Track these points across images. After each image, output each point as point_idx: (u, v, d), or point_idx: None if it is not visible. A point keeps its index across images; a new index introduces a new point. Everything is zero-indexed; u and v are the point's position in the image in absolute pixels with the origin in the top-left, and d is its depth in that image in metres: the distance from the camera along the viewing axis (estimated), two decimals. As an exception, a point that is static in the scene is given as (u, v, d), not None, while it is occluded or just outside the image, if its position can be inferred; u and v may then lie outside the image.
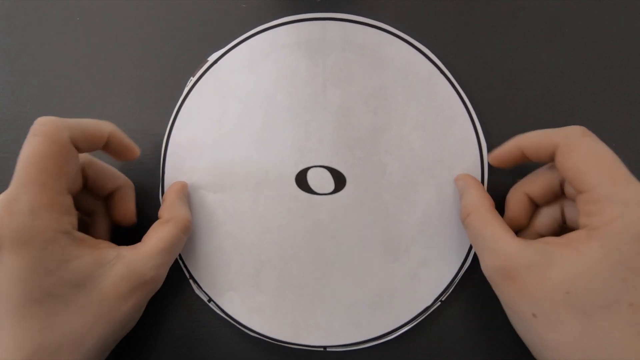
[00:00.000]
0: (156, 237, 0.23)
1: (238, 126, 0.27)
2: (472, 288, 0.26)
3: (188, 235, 0.25)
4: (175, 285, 0.27)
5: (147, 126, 0.28)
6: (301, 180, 0.27)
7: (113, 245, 0.23)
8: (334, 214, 0.26)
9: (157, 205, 0.27)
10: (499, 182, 0.26)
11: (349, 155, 0.27)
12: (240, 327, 0.26)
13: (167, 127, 0.27)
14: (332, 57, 0.27)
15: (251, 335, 0.26)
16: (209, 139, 0.27)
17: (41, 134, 0.20)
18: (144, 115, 0.28)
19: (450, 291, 0.26)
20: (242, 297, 0.26)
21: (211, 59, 0.27)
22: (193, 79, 0.27)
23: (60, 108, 0.28)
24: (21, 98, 0.28)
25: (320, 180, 0.27)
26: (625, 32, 0.27)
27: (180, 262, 0.27)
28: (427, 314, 0.26)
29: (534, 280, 0.19)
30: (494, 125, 0.27)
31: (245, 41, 0.27)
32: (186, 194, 0.26)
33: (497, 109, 0.27)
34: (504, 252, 0.21)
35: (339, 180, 0.27)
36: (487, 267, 0.22)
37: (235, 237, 0.26)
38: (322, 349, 0.26)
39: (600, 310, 0.18)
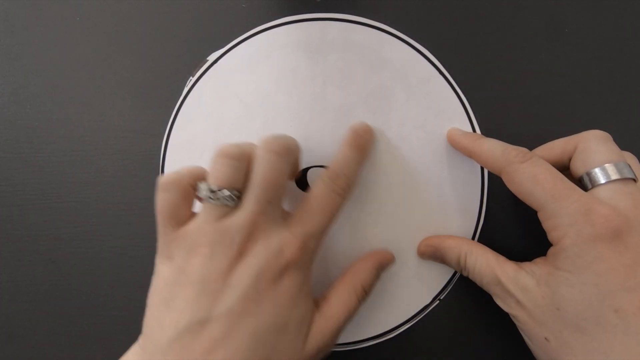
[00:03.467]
0: (344, 308, 0.23)
1: (238, 126, 0.27)
2: (470, 287, 0.26)
3: None
4: (176, 285, 0.27)
5: (147, 126, 0.28)
6: (301, 180, 0.27)
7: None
8: (333, 213, 0.27)
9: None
10: (498, 180, 0.26)
11: (349, 155, 0.27)
12: (240, 326, 0.26)
13: (166, 127, 0.27)
14: (332, 57, 0.27)
15: (251, 334, 0.26)
16: (209, 139, 0.27)
17: (345, 197, 0.23)
18: (144, 115, 0.28)
19: (448, 290, 0.27)
20: (243, 296, 0.26)
21: (211, 58, 0.27)
22: (193, 79, 0.27)
23: (60, 108, 0.28)
24: (21, 98, 0.28)
25: (320, 180, 0.27)
26: (625, 32, 0.27)
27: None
28: (425, 313, 0.26)
29: (532, 302, 0.21)
30: (493, 126, 0.27)
31: (245, 41, 0.27)
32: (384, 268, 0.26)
33: (496, 110, 0.27)
34: (504, 281, 0.22)
35: (339, 180, 0.27)
36: (501, 304, 0.23)
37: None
38: (322, 348, 0.27)
39: (592, 323, 0.19)
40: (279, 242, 0.21)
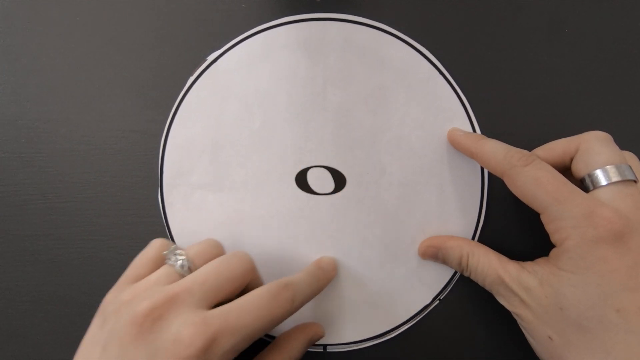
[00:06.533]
0: None
1: (237, 126, 0.27)
2: (470, 287, 0.26)
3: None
4: (176, 285, 0.27)
5: (146, 126, 0.28)
6: (301, 180, 0.27)
7: None
8: (334, 214, 0.27)
9: (155, 207, 0.27)
10: (499, 180, 0.26)
11: (349, 155, 0.27)
12: (240, 326, 0.26)
13: (165, 126, 0.27)
14: (332, 57, 0.27)
15: (251, 334, 0.26)
16: (208, 138, 0.27)
17: (285, 311, 0.21)
18: (144, 115, 0.28)
19: (448, 290, 0.27)
20: (243, 296, 0.26)
21: (210, 58, 0.27)
22: (192, 79, 0.27)
23: (60, 108, 0.28)
24: (21, 98, 0.28)
25: (320, 180, 0.27)
26: (625, 32, 0.27)
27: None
28: (425, 313, 0.26)
29: (536, 301, 0.21)
30: (493, 126, 0.27)
31: (245, 41, 0.27)
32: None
33: (496, 110, 0.27)
34: (507, 281, 0.22)
35: (339, 180, 0.27)
36: (505, 303, 0.23)
37: (235, 238, 0.27)
38: (322, 348, 0.27)
39: (594, 323, 0.19)
40: (182, 328, 0.18)
